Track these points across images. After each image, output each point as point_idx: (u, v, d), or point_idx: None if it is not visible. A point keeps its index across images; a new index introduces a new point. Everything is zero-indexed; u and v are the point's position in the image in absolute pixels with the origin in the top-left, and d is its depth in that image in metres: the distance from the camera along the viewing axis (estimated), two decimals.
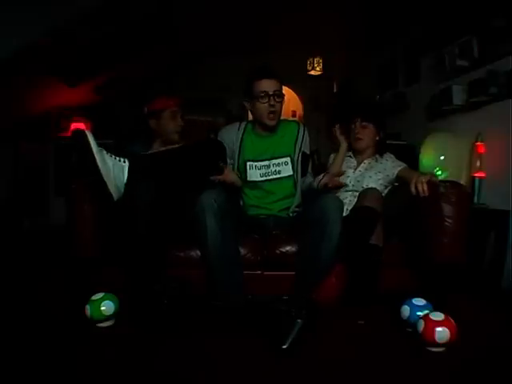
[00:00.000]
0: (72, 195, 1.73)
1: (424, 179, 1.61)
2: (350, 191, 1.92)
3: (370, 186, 1.84)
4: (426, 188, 1.59)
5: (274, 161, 1.86)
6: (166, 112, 1.91)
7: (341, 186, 1.83)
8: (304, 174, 1.92)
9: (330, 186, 1.76)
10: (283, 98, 1.81)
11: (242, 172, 1.87)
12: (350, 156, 2.02)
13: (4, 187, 4.10)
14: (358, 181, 1.92)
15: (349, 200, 1.88)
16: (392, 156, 1.99)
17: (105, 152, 1.53)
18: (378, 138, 1.98)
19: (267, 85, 1.76)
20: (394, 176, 1.89)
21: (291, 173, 1.87)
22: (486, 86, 2.33)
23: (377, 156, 1.98)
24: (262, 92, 1.75)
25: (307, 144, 1.94)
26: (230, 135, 1.90)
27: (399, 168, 1.89)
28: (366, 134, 1.95)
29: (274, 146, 1.88)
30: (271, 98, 1.75)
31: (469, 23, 2.53)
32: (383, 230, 1.67)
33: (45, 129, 4.31)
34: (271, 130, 1.86)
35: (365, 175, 1.93)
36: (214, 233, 1.53)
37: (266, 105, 1.76)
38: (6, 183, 4.13)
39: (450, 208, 1.60)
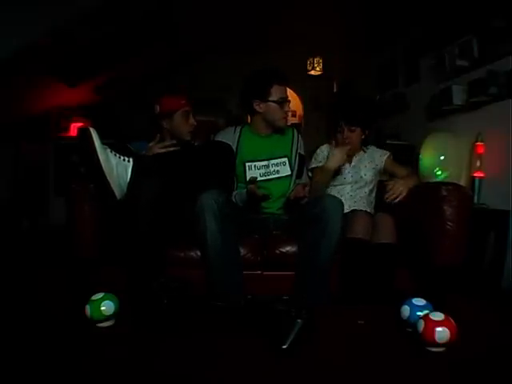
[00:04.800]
0: (72, 195, 1.73)
1: (405, 188, 1.69)
2: (349, 183, 1.98)
3: (367, 176, 1.98)
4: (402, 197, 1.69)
5: (273, 161, 1.90)
6: (179, 112, 1.86)
7: (304, 196, 1.77)
8: (300, 174, 1.96)
9: (298, 196, 1.76)
10: (290, 102, 1.91)
11: (241, 173, 1.88)
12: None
13: (4, 187, 4.10)
14: (356, 172, 1.99)
15: (349, 194, 1.94)
16: (374, 146, 2.10)
17: (109, 150, 1.53)
18: (363, 137, 2.04)
19: (285, 91, 1.85)
20: (382, 165, 2.01)
21: (289, 173, 1.92)
22: (486, 85, 2.33)
23: (363, 148, 2.07)
24: (282, 98, 1.82)
25: (302, 145, 2.01)
26: (227, 138, 1.91)
27: (385, 157, 2.02)
28: (354, 138, 1.99)
29: (271, 147, 1.91)
30: (287, 104, 1.85)
31: (469, 23, 2.53)
32: (396, 228, 1.70)
33: (45, 129, 4.31)
34: (281, 130, 1.92)
35: (360, 166, 2.01)
36: (214, 233, 1.53)
37: (282, 111, 1.84)
38: (6, 183, 4.13)
39: (451, 211, 1.60)
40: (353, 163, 2.02)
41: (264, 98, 1.82)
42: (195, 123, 1.92)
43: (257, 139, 1.92)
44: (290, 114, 1.93)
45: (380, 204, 1.97)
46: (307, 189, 1.76)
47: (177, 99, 1.89)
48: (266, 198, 1.75)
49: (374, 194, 2.02)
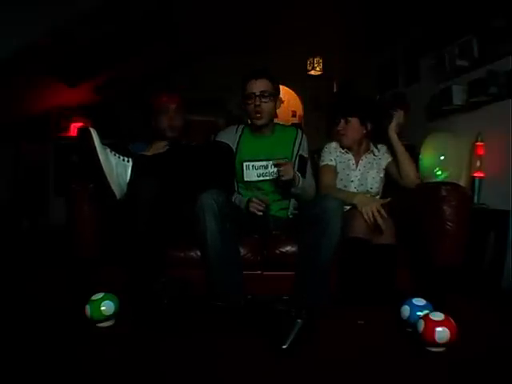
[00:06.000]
0: (72, 195, 1.73)
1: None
2: (354, 188, 1.92)
3: (373, 189, 1.92)
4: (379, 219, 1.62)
5: (272, 162, 1.85)
6: (159, 110, 1.86)
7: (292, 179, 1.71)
8: (302, 176, 1.91)
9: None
10: (272, 97, 1.81)
11: (239, 172, 1.86)
12: (346, 152, 1.96)
13: (4, 187, 4.10)
14: (362, 184, 1.92)
15: None
16: (384, 147, 1.98)
17: (109, 150, 1.53)
18: (365, 131, 1.92)
19: (254, 86, 1.80)
20: (384, 168, 1.96)
21: None
22: (486, 85, 2.33)
23: (373, 149, 1.97)
24: (249, 93, 1.80)
25: (305, 148, 1.95)
26: (228, 138, 1.90)
27: (387, 161, 1.95)
28: (350, 129, 1.91)
29: (271, 148, 1.88)
30: (257, 98, 1.78)
31: (469, 23, 2.53)
32: (395, 228, 1.67)
33: (45, 129, 4.32)
34: (261, 129, 1.88)
35: (367, 176, 1.93)
36: (214, 233, 1.53)
37: (252, 105, 1.80)
38: (6, 183, 4.13)
39: (451, 211, 1.60)
40: (359, 168, 1.94)
41: (242, 97, 1.85)
42: (177, 122, 1.86)
43: (257, 139, 1.90)
44: (265, 110, 1.80)
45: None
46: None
47: (159, 98, 1.88)
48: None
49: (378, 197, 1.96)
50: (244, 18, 3.74)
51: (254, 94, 1.79)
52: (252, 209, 1.72)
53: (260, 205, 1.72)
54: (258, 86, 1.80)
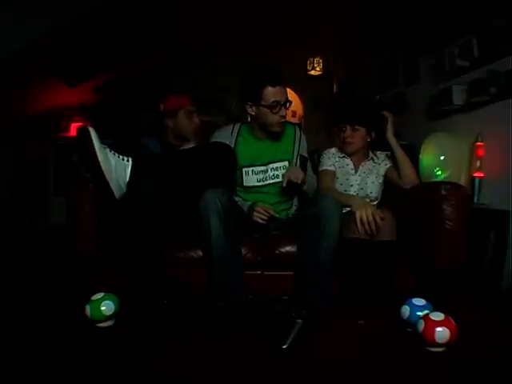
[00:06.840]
0: (72, 195, 1.73)
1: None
2: (354, 192, 1.91)
3: (372, 194, 1.92)
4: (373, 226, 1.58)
5: (272, 165, 1.83)
6: (182, 111, 1.89)
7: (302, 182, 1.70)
8: None
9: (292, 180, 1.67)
10: (291, 104, 1.76)
11: (238, 178, 1.84)
12: (344, 157, 1.96)
13: (4, 187, 4.10)
14: (362, 188, 1.92)
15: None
16: (382, 154, 1.98)
17: (108, 150, 1.53)
18: (369, 139, 1.93)
19: (280, 93, 1.68)
20: (383, 174, 1.95)
21: None
22: (485, 86, 2.33)
23: (373, 156, 1.96)
24: (275, 102, 1.67)
25: (305, 147, 1.93)
26: (224, 138, 1.83)
27: (387, 167, 1.94)
28: (357, 137, 1.89)
29: (271, 151, 1.84)
30: (282, 107, 1.70)
31: (469, 23, 2.53)
32: (397, 225, 1.67)
33: (45, 129, 4.32)
34: (276, 136, 1.83)
35: (367, 181, 1.93)
36: (218, 232, 1.52)
37: (277, 115, 1.71)
38: (6, 183, 4.13)
39: (450, 210, 1.60)
40: (359, 174, 1.93)
41: (255, 101, 1.70)
42: (199, 123, 1.93)
43: (255, 142, 1.84)
44: (287, 116, 1.75)
45: (381, 201, 1.95)
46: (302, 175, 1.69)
47: (181, 98, 1.91)
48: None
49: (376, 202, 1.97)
50: (244, 18, 3.74)
51: (280, 102, 1.68)
52: (255, 218, 1.70)
53: (264, 214, 1.70)
54: (283, 93, 1.69)
